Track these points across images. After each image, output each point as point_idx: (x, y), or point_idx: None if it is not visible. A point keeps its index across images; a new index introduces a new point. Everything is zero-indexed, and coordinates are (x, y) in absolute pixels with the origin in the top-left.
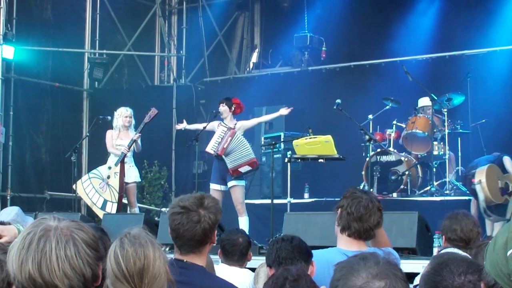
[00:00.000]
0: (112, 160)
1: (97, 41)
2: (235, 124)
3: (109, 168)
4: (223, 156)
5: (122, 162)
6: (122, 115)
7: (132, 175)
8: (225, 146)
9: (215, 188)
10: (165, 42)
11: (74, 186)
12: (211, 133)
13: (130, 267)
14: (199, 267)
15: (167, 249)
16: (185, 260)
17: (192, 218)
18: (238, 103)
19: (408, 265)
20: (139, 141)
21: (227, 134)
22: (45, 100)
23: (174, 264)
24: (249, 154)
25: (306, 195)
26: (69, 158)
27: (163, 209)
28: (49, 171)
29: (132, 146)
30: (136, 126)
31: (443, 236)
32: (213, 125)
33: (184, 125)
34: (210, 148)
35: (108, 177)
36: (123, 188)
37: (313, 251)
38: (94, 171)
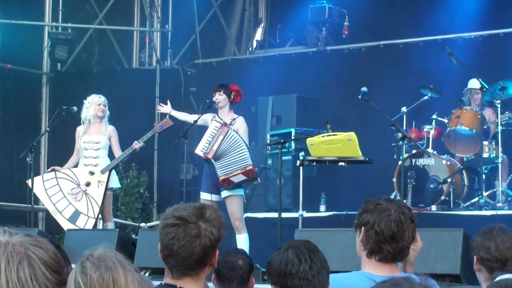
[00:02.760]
0: (84, 163)
1: (60, 12)
2: (235, 118)
3: (91, 173)
4: (212, 160)
5: (110, 171)
6: (95, 102)
7: (111, 179)
8: (214, 148)
9: (205, 198)
10: (146, 14)
11: (28, 181)
12: (203, 129)
13: None
14: None
15: (147, 274)
16: (178, 286)
17: (190, 231)
18: (237, 89)
19: None
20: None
21: (219, 131)
22: None
23: None
24: (245, 159)
25: (322, 207)
26: (24, 159)
27: (142, 224)
28: None
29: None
30: (111, 119)
31: (475, 256)
32: (205, 118)
33: (168, 109)
34: (200, 150)
35: (88, 184)
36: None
37: (332, 276)
38: (65, 170)
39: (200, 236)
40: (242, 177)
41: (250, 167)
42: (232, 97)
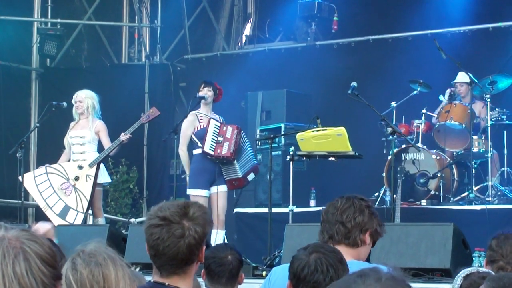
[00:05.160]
0: (73, 159)
1: (49, 8)
2: (220, 117)
3: (80, 167)
4: (235, 161)
5: (98, 164)
6: (74, 100)
7: (101, 174)
8: (236, 147)
9: (201, 194)
10: (135, 9)
11: (20, 178)
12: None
13: None
14: None
15: (137, 269)
16: (166, 284)
17: (174, 232)
18: (220, 88)
19: None
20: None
21: (234, 132)
22: None
23: None
24: (253, 158)
25: (312, 202)
26: (13, 155)
27: (132, 220)
28: None
29: (114, 147)
30: (102, 113)
31: (485, 259)
32: (190, 120)
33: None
34: (209, 148)
35: (77, 178)
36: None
37: (279, 267)
38: (55, 165)
39: (184, 236)
40: (253, 176)
41: (257, 165)
42: (216, 95)
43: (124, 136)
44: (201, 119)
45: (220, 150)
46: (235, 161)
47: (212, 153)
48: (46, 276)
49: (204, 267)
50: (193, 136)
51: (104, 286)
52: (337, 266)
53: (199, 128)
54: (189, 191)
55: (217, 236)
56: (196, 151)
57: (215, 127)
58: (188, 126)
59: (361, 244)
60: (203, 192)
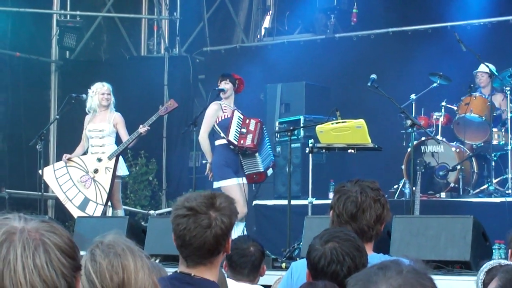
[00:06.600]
0: (91, 152)
1: (69, 0)
2: (237, 110)
3: (99, 160)
4: (257, 154)
5: (117, 156)
6: (98, 92)
7: (119, 166)
8: (259, 140)
9: (234, 183)
10: (155, 1)
11: (40, 171)
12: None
13: (107, 283)
14: (211, 283)
15: (157, 260)
16: (192, 274)
17: (201, 222)
18: (240, 78)
19: (460, 283)
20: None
21: (257, 125)
22: (3, 74)
23: (179, 278)
24: (271, 153)
25: (331, 194)
26: (33, 147)
27: (151, 212)
28: (7, 164)
29: (133, 140)
30: (119, 107)
31: (509, 250)
32: (215, 108)
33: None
34: (233, 138)
35: (96, 171)
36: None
37: (299, 262)
38: (75, 158)
39: (211, 226)
40: (271, 171)
41: (273, 162)
42: (236, 85)
43: (142, 129)
44: (225, 109)
45: (244, 141)
46: (257, 154)
47: (236, 143)
48: (66, 268)
49: (226, 258)
50: (216, 126)
51: (124, 277)
52: (354, 254)
53: (222, 118)
54: (219, 183)
55: (237, 228)
56: (219, 142)
57: (239, 119)
58: (212, 114)
59: (378, 235)
60: (235, 181)
